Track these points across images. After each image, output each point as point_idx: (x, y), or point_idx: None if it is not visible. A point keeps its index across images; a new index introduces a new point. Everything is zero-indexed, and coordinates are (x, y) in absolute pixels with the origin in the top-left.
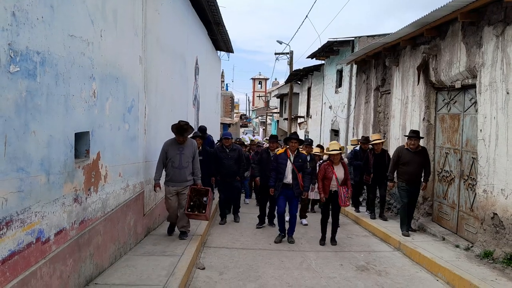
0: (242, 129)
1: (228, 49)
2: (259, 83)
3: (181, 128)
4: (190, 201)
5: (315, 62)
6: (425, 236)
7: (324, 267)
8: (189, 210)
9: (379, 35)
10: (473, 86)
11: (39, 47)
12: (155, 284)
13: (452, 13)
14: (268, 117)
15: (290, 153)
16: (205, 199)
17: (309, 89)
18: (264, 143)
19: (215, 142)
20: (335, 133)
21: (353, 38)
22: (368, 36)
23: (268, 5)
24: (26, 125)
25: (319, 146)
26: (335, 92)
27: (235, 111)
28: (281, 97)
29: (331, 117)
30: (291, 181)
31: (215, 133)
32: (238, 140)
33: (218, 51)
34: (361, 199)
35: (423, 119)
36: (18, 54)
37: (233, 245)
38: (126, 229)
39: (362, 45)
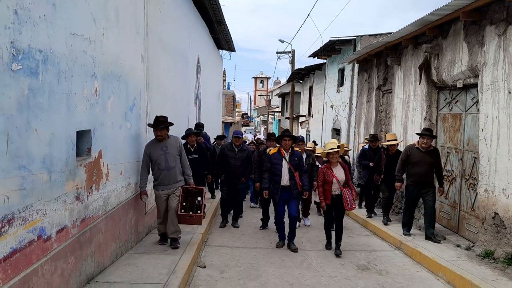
0: (243, 128)
1: (230, 48)
2: (260, 82)
3: (157, 120)
4: (182, 202)
5: (317, 61)
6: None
7: (325, 266)
8: (182, 211)
9: (381, 34)
10: (475, 85)
11: (41, 45)
12: (156, 282)
13: (454, 12)
14: (270, 116)
15: (284, 152)
16: (199, 199)
17: (310, 88)
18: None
19: (213, 142)
20: (336, 132)
21: (355, 37)
22: (370, 35)
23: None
24: (28, 123)
25: (313, 142)
26: (337, 91)
27: (236, 110)
28: (282, 96)
29: (332, 116)
30: (288, 183)
31: (217, 132)
32: (258, 139)
33: (220, 50)
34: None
35: (425, 119)
36: (20, 52)
37: (234, 244)
38: (128, 227)
39: (364, 44)
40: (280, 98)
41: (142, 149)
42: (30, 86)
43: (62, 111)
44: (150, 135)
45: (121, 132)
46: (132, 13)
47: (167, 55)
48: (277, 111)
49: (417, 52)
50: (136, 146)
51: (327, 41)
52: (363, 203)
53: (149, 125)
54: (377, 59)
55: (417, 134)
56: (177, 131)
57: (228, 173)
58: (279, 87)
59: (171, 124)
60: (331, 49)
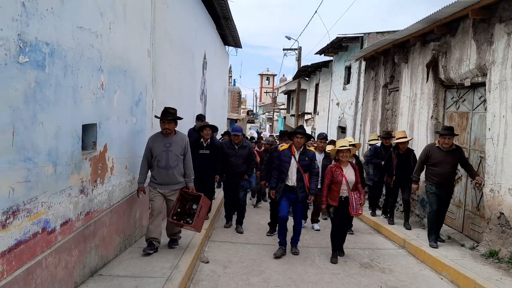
0: (248, 125)
1: (237, 44)
2: (266, 79)
3: (165, 112)
4: (177, 207)
5: (323, 58)
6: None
7: (328, 263)
8: (175, 217)
9: (388, 32)
10: (483, 84)
11: (48, 38)
12: (159, 277)
13: (463, 9)
14: (275, 113)
15: (295, 150)
16: (194, 206)
17: (317, 86)
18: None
19: (219, 138)
20: (342, 130)
21: (362, 34)
22: (377, 33)
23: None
24: (35, 116)
25: (332, 142)
26: (343, 88)
27: (242, 107)
28: (288, 93)
29: (338, 114)
30: (295, 183)
31: (222, 129)
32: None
33: (226, 46)
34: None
35: (431, 117)
36: (27, 45)
37: (237, 239)
38: (132, 221)
39: (371, 42)
40: (286, 96)
41: None
42: (37, 79)
43: (68, 105)
44: (156, 130)
45: (126, 127)
46: (139, 8)
47: (174, 50)
48: (283, 108)
49: (424, 50)
50: (141, 141)
51: (334, 38)
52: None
53: (156, 116)
54: (384, 57)
55: (436, 133)
56: (181, 126)
57: (229, 172)
58: (285, 84)
59: (180, 118)
60: (338, 46)
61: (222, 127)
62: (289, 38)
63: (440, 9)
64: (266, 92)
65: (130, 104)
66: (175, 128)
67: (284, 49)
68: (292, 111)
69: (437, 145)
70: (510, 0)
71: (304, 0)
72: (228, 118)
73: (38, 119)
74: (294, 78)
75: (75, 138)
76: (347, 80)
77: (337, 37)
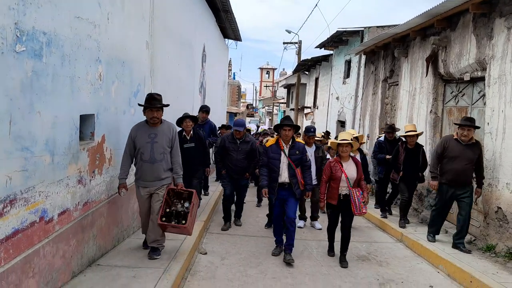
0: (248, 119)
1: (236, 37)
2: (266, 73)
3: (152, 98)
4: (166, 207)
5: (323, 52)
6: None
7: (326, 256)
8: (164, 219)
9: (389, 26)
10: (482, 78)
11: (46, 28)
12: (157, 267)
13: (464, 3)
14: (275, 107)
15: (283, 144)
16: (186, 205)
17: (316, 80)
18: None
19: (217, 129)
20: (341, 124)
21: (363, 28)
22: (378, 27)
23: None
24: (32, 105)
25: (327, 134)
26: (343, 83)
27: (241, 100)
28: (288, 87)
29: (338, 108)
30: (288, 180)
31: (221, 122)
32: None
33: (226, 39)
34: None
35: (430, 111)
36: (24, 34)
37: (235, 232)
38: (130, 212)
39: (371, 36)
40: (286, 89)
41: None
42: (34, 68)
43: (65, 95)
44: None
45: (124, 118)
46: None
47: (173, 42)
48: (282, 102)
49: (424, 44)
50: None
51: (334, 32)
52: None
53: (140, 104)
54: (384, 51)
55: (455, 124)
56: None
57: (229, 168)
58: (285, 78)
59: (167, 105)
60: (338, 40)
61: (222, 121)
62: (289, 32)
63: (440, 3)
64: (266, 86)
65: (128, 95)
66: (162, 117)
67: (284, 43)
68: (292, 105)
69: (455, 137)
70: None
71: None
72: (227, 112)
73: (35, 108)
74: (294, 72)
75: (73, 128)
76: (347, 74)
77: (337, 31)
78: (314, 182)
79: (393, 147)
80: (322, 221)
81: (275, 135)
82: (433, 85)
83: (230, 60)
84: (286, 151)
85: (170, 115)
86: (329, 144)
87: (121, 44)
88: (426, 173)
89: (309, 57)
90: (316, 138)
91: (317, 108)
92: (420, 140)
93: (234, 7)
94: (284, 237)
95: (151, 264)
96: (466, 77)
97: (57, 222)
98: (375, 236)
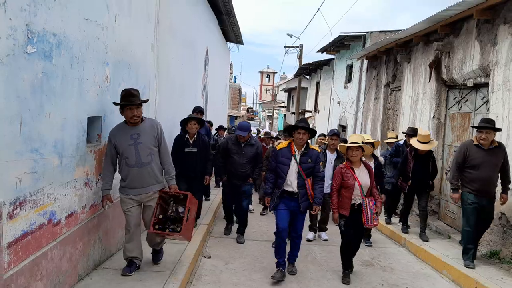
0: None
1: (238, 40)
2: (267, 77)
3: (129, 94)
4: (159, 212)
5: (325, 56)
6: (430, 234)
7: (329, 260)
8: (157, 227)
9: (391, 31)
10: (486, 85)
11: (56, 29)
12: (163, 271)
13: (468, 10)
14: (275, 111)
15: (295, 149)
16: (181, 210)
17: (318, 84)
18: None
19: (214, 133)
20: (343, 128)
21: (365, 33)
22: (380, 32)
23: None
24: (41, 107)
25: (343, 141)
26: (344, 87)
27: (242, 104)
28: (289, 91)
29: (339, 113)
30: (295, 189)
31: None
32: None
33: (228, 43)
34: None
35: (433, 117)
36: (35, 35)
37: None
38: None
39: (374, 41)
40: (286, 93)
41: None
42: (44, 70)
43: (74, 97)
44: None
45: None
46: (144, 1)
47: (177, 45)
48: (283, 106)
49: (427, 49)
50: None
51: (336, 36)
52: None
53: (115, 103)
54: (387, 56)
55: (473, 127)
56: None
57: (230, 173)
58: (285, 82)
59: (146, 100)
60: (340, 44)
61: (223, 124)
62: (290, 36)
63: (444, 9)
64: (266, 90)
65: None
66: (142, 114)
67: (285, 47)
68: (293, 109)
69: (474, 142)
70: None
71: None
72: (228, 115)
73: (45, 110)
74: (295, 76)
75: (81, 130)
76: (349, 79)
77: (339, 35)
78: (327, 190)
79: (406, 154)
80: (332, 234)
81: (287, 138)
82: (436, 91)
83: (231, 63)
84: (298, 157)
85: (174, 117)
86: (338, 148)
87: (127, 46)
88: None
89: (310, 61)
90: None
91: (318, 113)
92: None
93: (236, 11)
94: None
95: (157, 268)
96: (470, 83)
97: (65, 224)
98: (378, 241)
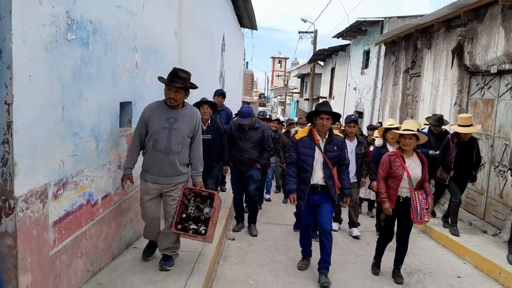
0: (260, 108)
1: (253, 26)
2: (278, 62)
3: (174, 74)
4: (182, 211)
5: (340, 42)
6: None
7: (352, 245)
8: (180, 227)
9: (410, 16)
10: (510, 71)
11: (92, 16)
12: (192, 251)
13: None
14: (287, 96)
15: (318, 137)
16: (207, 210)
17: (332, 70)
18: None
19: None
20: (359, 115)
21: (383, 19)
22: (398, 17)
23: None
24: (80, 93)
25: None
26: (361, 73)
27: (254, 90)
28: (302, 77)
29: (355, 99)
30: (321, 181)
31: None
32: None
33: (242, 28)
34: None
35: (455, 104)
36: (74, 22)
37: (259, 219)
38: None
39: (392, 26)
40: (300, 79)
41: None
42: (82, 56)
43: (108, 82)
44: None
45: None
46: None
47: (197, 31)
48: (295, 92)
49: (449, 35)
50: None
51: (353, 21)
52: None
53: (160, 79)
54: (406, 42)
55: None
56: None
57: (236, 159)
58: (297, 68)
59: (194, 86)
60: (357, 30)
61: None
62: (305, 21)
63: None
64: (278, 76)
65: (158, 83)
66: (185, 100)
67: (299, 32)
68: (306, 95)
69: None
70: None
71: None
72: (242, 101)
73: (83, 95)
74: (310, 61)
75: (114, 115)
76: (366, 65)
77: (356, 21)
78: (354, 179)
79: (438, 141)
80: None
81: (307, 125)
82: (458, 77)
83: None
84: (322, 146)
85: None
86: (374, 136)
87: (153, 32)
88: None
89: (325, 47)
90: (375, 136)
91: (333, 99)
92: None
93: None
94: (313, 248)
95: (185, 248)
96: (493, 70)
97: (101, 205)
98: None
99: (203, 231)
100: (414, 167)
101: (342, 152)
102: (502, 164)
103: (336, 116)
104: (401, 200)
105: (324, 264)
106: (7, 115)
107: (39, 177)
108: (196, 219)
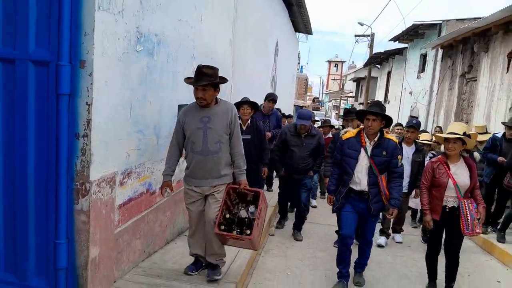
0: (314, 112)
1: (307, 31)
2: (335, 66)
3: (198, 72)
4: (226, 212)
5: (397, 45)
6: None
7: (392, 246)
8: (223, 228)
9: (469, 19)
10: None
11: (157, 30)
12: None
13: None
14: (342, 101)
15: (365, 139)
16: (252, 209)
17: (388, 73)
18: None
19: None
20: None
21: (441, 22)
22: (457, 20)
23: None
24: (145, 96)
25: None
26: (417, 77)
27: (307, 94)
28: (357, 80)
29: (410, 103)
30: (366, 188)
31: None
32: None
33: (297, 33)
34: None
35: (510, 109)
36: (142, 36)
37: None
38: None
39: (450, 29)
40: (355, 83)
41: None
42: (148, 65)
43: (169, 87)
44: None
45: None
46: (225, 0)
47: (250, 39)
48: (350, 96)
49: (507, 39)
50: None
51: (410, 25)
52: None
53: (187, 80)
54: (463, 45)
55: None
56: None
57: (290, 167)
58: (354, 72)
59: (223, 81)
60: (413, 33)
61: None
62: (362, 24)
63: None
64: (334, 79)
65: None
66: (217, 96)
67: (356, 35)
68: (361, 99)
69: None
70: None
71: None
72: (294, 105)
73: (147, 98)
74: (366, 65)
75: (172, 116)
76: (422, 68)
77: (413, 24)
78: (405, 189)
79: (511, 147)
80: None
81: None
82: None
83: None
84: (369, 149)
85: None
86: (421, 139)
87: (210, 42)
88: None
89: (381, 50)
90: (423, 140)
91: (388, 103)
92: None
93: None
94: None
95: None
96: None
97: (158, 195)
98: None
99: (248, 233)
100: (461, 174)
101: (393, 158)
102: None
103: (387, 119)
104: (447, 210)
105: (360, 265)
106: (87, 114)
107: (109, 166)
108: (242, 221)
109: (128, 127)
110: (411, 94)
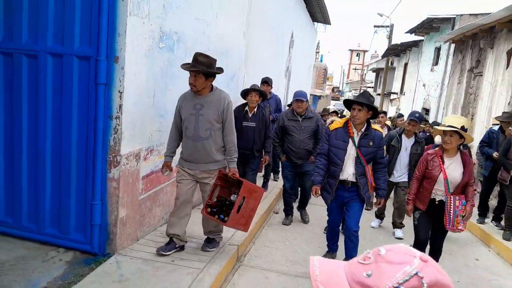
0: (333, 102)
1: (325, 20)
2: (356, 55)
3: (194, 59)
4: (214, 195)
5: (414, 37)
6: None
7: (391, 243)
8: (209, 210)
9: (482, 14)
10: None
11: (177, 28)
12: None
13: None
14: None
15: (353, 130)
16: (232, 197)
17: (405, 65)
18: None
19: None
20: (426, 112)
21: (455, 16)
22: (470, 15)
23: None
24: (166, 86)
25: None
26: (431, 70)
27: (328, 83)
28: (377, 71)
29: (423, 96)
30: (352, 177)
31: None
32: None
33: (315, 23)
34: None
35: (509, 103)
36: (164, 34)
37: None
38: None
39: (463, 23)
40: (375, 74)
41: None
42: (169, 59)
43: (185, 78)
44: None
45: None
46: None
47: (264, 31)
48: (370, 87)
49: (510, 36)
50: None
51: (425, 18)
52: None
53: (184, 66)
54: (472, 41)
55: None
56: None
57: (290, 152)
58: (376, 61)
59: (219, 71)
60: (428, 26)
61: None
62: (381, 15)
63: None
64: (355, 69)
65: (226, 79)
66: (211, 84)
67: (375, 26)
68: (379, 90)
69: None
70: None
71: None
72: (311, 94)
73: (168, 87)
74: (383, 56)
75: None
76: (436, 62)
77: (427, 18)
78: (404, 179)
79: (508, 141)
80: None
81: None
82: None
83: (318, 43)
84: (356, 139)
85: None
86: (432, 132)
87: (225, 37)
88: None
89: (399, 42)
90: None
91: (404, 95)
92: None
93: None
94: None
95: None
96: None
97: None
98: (458, 237)
99: (226, 218)
100: (454, 169)
101: (379, 149)
102: None
103: (372, 109)
104: (436, 203)
105: (351, 258)
106: (119, 100)
107: (135, 143)
108: (228, 205)
109: (152, 112)
110: (424, 87)
